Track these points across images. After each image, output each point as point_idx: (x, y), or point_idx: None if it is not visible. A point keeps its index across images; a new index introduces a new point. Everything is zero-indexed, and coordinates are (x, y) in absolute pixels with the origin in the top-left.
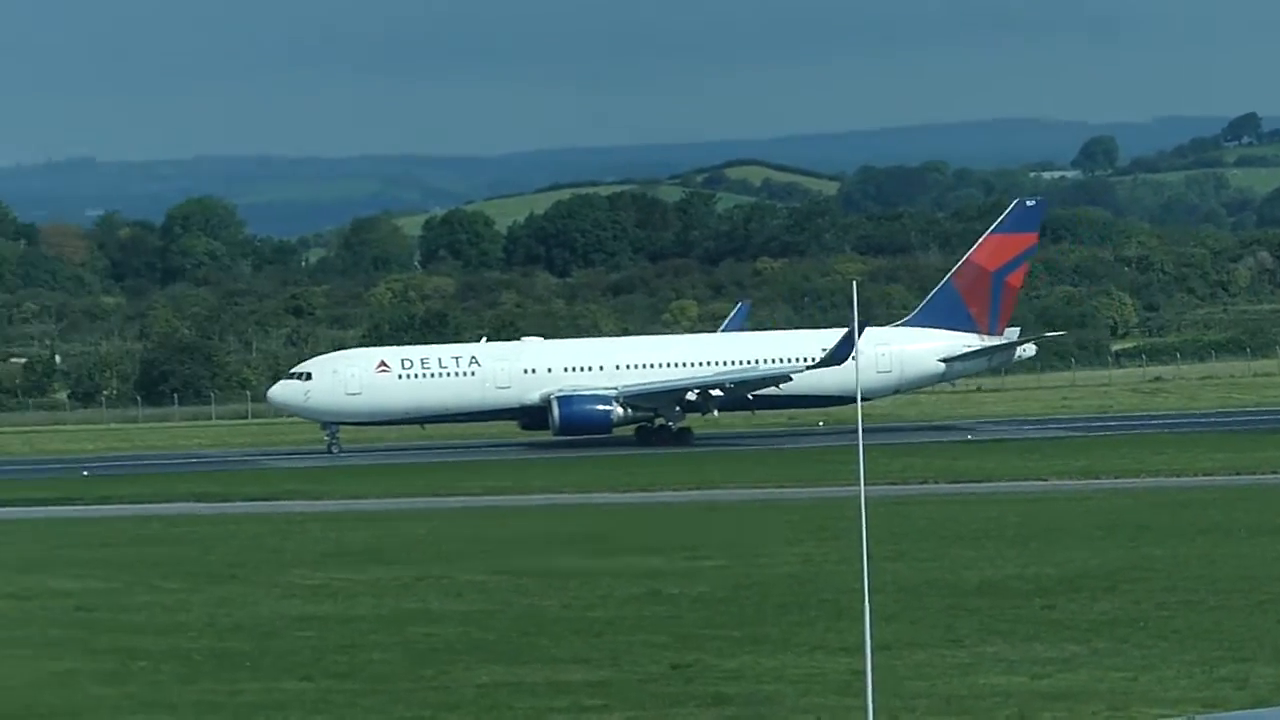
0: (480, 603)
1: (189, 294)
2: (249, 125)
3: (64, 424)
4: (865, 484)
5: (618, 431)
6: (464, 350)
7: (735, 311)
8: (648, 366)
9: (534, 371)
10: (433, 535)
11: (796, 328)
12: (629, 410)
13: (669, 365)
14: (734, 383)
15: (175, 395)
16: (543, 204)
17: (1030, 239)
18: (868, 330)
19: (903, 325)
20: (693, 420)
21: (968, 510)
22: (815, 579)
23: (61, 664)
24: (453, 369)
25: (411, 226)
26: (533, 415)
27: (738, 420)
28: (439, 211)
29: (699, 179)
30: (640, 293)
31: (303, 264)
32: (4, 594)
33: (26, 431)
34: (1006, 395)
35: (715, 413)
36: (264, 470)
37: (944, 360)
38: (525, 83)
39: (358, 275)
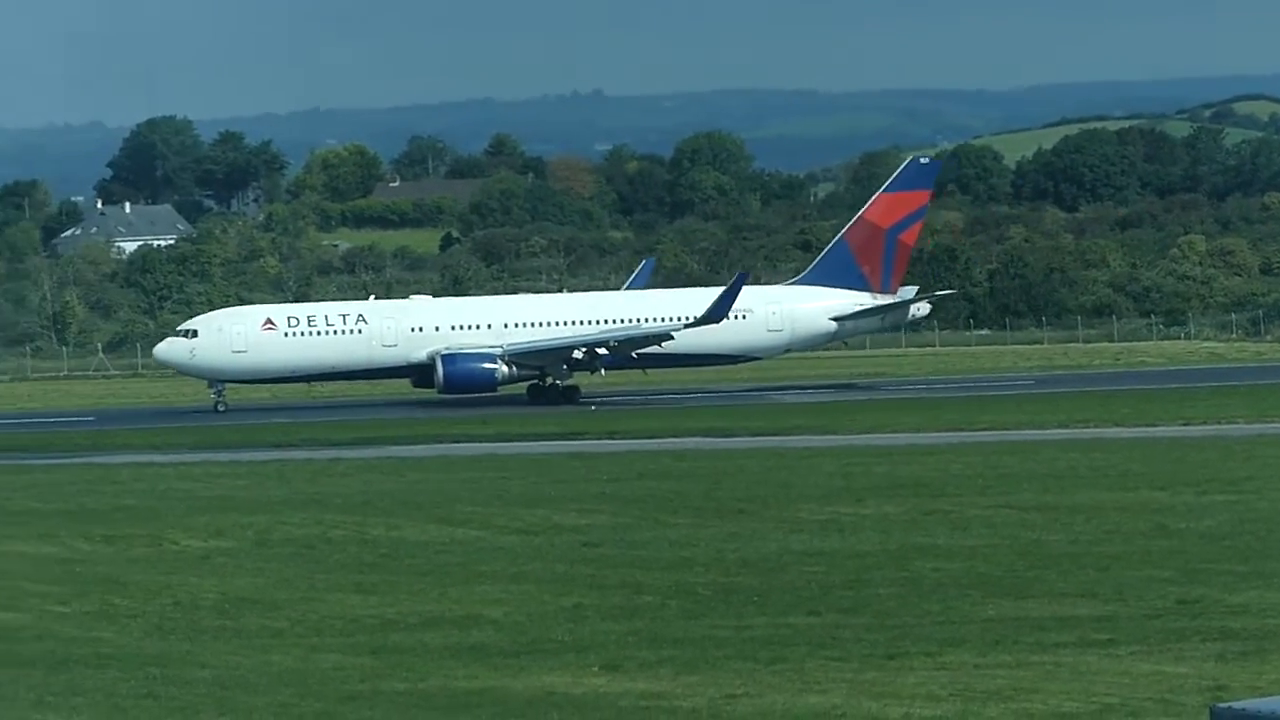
0: (986, 537)
1: (697, 228)
2: (753, 59)
3: None
4: None
5: (512, 390)
6: (351, 308)
7: (640, 268)
8: (535, 325)
9: (420, 330)
10: (941, 469)
11: None
12: (514, 369)
13: (555, 324)
14: (617, 341)
15: None
16: (1050, 139)
17: (924, 197)
18: (760, 289)
19: (794, 284)
20: (581, 379)
21: None
22: None
23: (569, 599)
24: (339, 326)
25: None
26: (422, 373)
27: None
28: (947, 145)
29: (1206, 114)
30: (1148, 227)
31: (810, 199)
32: (512, 529)
33: None
34: None
35: (603, 371)
36: (770, 405)
37: (836, 319)
38: (1033, 15)
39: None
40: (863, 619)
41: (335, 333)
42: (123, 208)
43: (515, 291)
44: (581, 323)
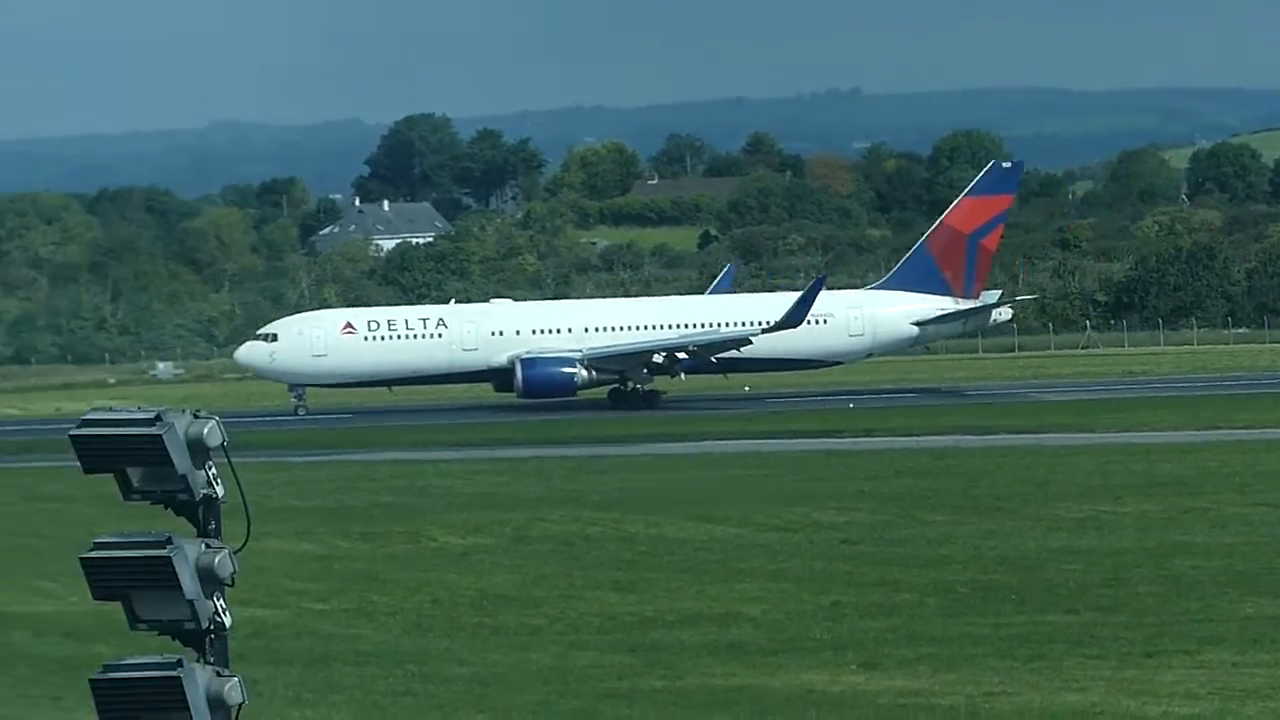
0: (1244, 535)
1: None
2: (1009, 58)
3: None
4: None
5: (592, 394)
6: (431, 312)
7: (723, 274)
8: (615, 329)
9: (501, 334)
10: (1198, 467)
11: None
12: (593, 373)
13: (636, 328)
14: (696, 346)
15: None
16: None
17: (1006, 201)
18: (841, 293)
19: (876, 288)
20: (662, 383)
21: None
22: None
23: (827, 596)
24: (419, 330)
25: (1178, 159)
26: (503, 377)
27: None
28: (1205, 144)
29: None
30: None
31: (1069, 197)
32: (770, 526)
33: None
34: None
35: (682, 376)
36: (1030, 403)
37: (917, 323)
38: None
39: (1124, 208)
40: (1121, 617)
41: (415, 337)
42: (381, 205)
43: (774, 290)
44: (661, 327)
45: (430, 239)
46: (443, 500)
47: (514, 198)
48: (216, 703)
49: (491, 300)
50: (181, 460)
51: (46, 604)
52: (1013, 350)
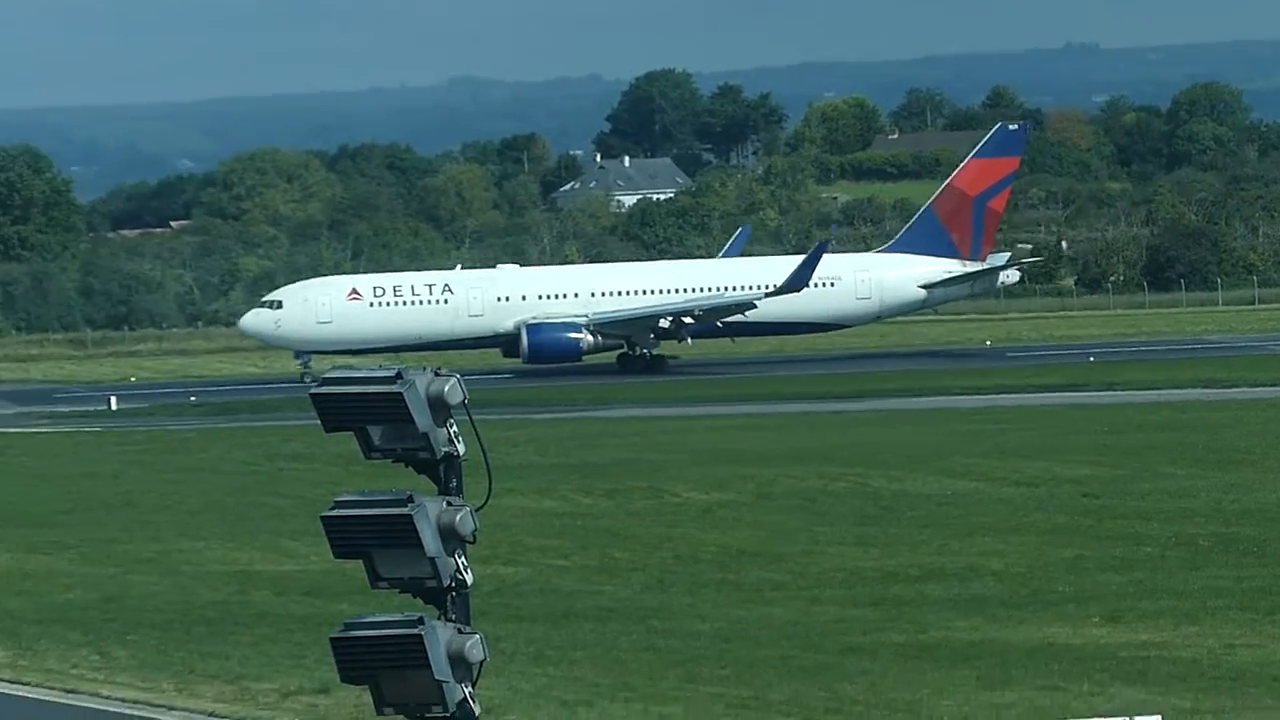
0: None
1: (1195, 179)
2: (1246, 10)
3: (1070, 310)
4: None
5: (600, 359)
6: (437, 278)
7: (736, 236)
8: (622, 294)
9: (507, 299)
10: None
11: None
12: (599, 338)
13: (643, 292)
14: (702, 310)
15: (1181, 281)
16: None
17: (1013, 163)
18: (848, 257)
19: (883, 251)
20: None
21: None
22: None
23: (1069, 550)
24: (425, 297)
25: None
26: (510, 343)
27: None
28: None
29: None
30: None
31: None
32: (1011, 480)
33: (1033, 318)
34: None
35: (689, 340)
36: (1270, 356)
37: (925, 286)
38: None
39: None
40: None
41: (421, 303)
42: (621, 161)
43: (1013, 245)
44: (667, 291)
45: (671, 195)
46: (685, 456)
47: (755, 153)
48: (457, 660)
49: (497, 266)
50: (422, 418)
51: (288, 563)
52: (1253, 304)
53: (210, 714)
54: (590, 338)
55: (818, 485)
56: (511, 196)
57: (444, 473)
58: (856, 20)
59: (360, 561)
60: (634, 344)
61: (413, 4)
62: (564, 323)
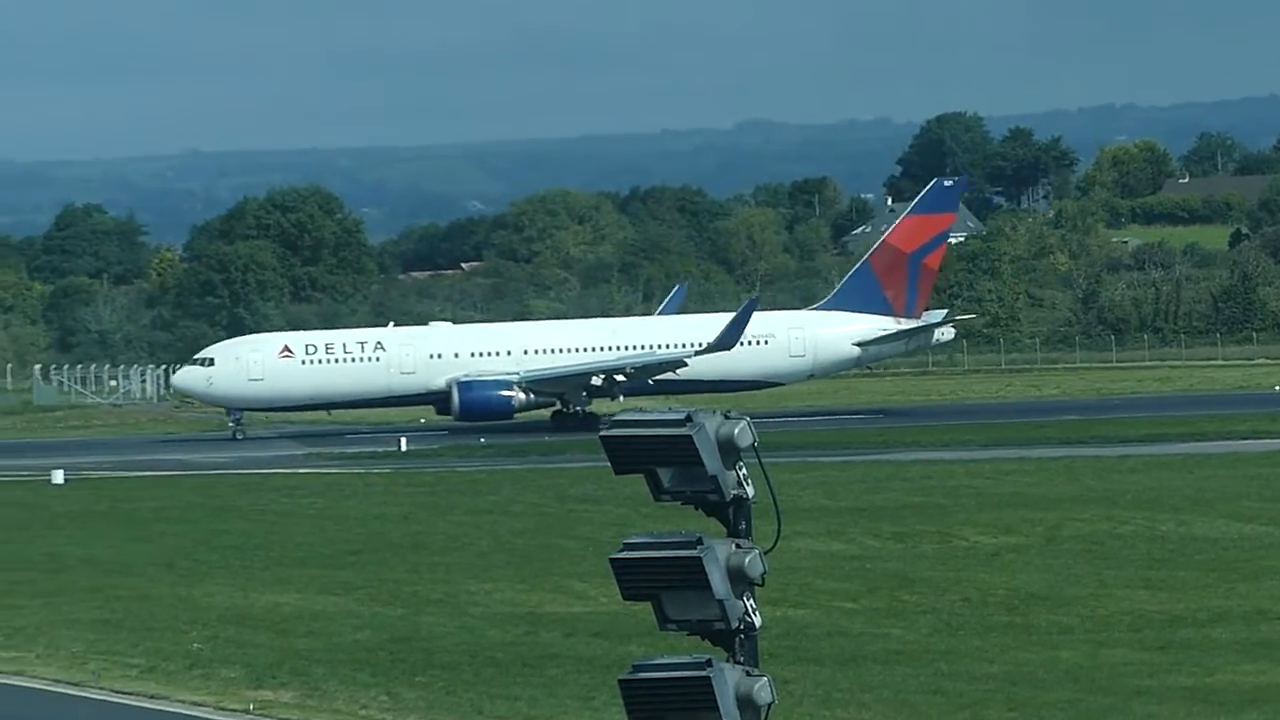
0: None
1: None
2: None
3: None
4: None
5: (533, 416)
6: (369, 335)
7: (673, 294)
8: (554, 351)
9: (440, 356)
10: None
11: None
12: (531, 395)
13: (575, 350)
14: (635, 368)
15: None
16: None
17: (948, 219)
18: (782, 314)
19: (818, 309)
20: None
21: None
22: None
23: None
24: (357, 354)
25: None
26: (443, 401)
27: None
28: None
29: None
30: None
31: None
32: None
33: None
34: None
35: (621, 399)
36: None
37: (859, 344)
38: None
39: None
40: None
41: (353, 360)
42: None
43: None
44: (600, 349)
45: (962, 238)
46: (973, 500)
47: (1045, 196)
48: (746, 702)
49: (430, 323)
50: (712, 460)
51: (577, 604)
52: None
53: None
54: (522, 395)
55: (1105, 528)
56: (802, 240)
57: (733, 515)
58: (1148, 64)
59: (649, 603)
60: (567, 401)
61: (704, 47)
62: (496, 380)
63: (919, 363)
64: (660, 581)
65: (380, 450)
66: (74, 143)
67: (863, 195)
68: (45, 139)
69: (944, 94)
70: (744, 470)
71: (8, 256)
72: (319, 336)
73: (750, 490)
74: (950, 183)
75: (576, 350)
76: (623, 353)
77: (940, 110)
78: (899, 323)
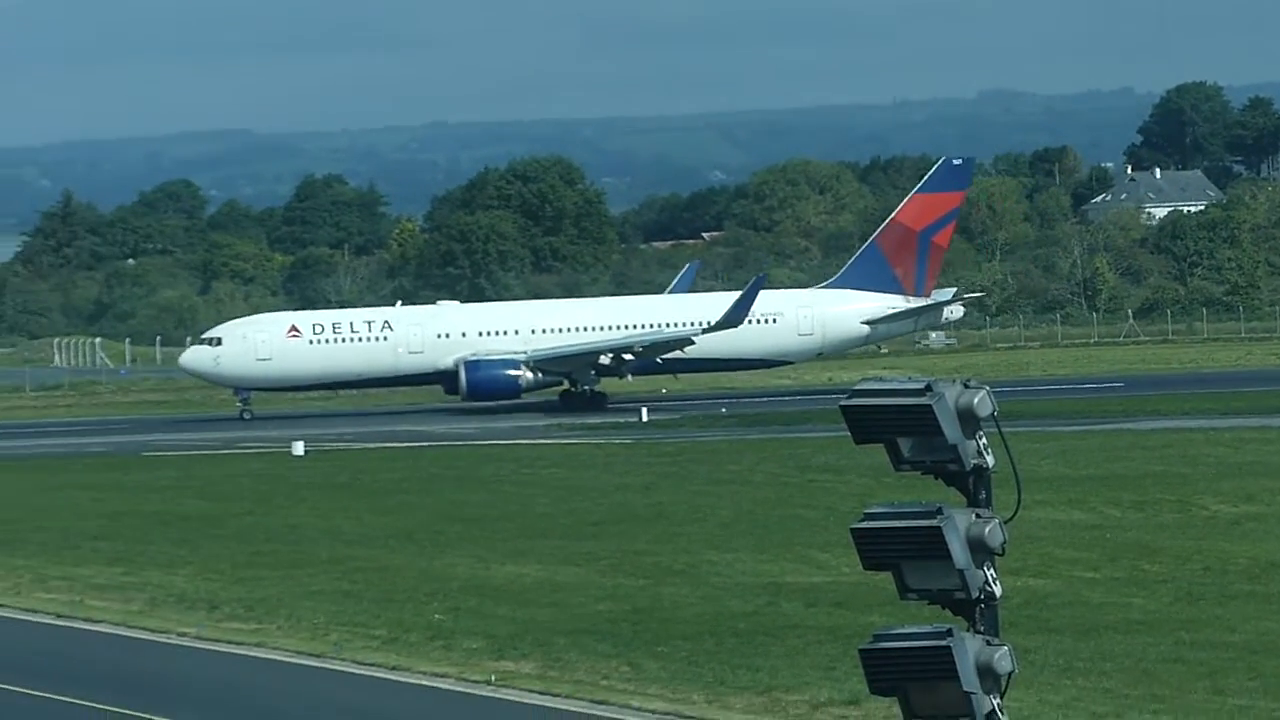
0: None
1: None
2: None
3: None
4: None
5: (543, 395)
6: (377, 314)
7: (683, 272)
8: (562, 330)
9: (447, 336)
10: None
11: None
12: (539, 375)
13: (582, 329)
14: (643, 346)
15: None
16: None
17: (957, 198)
18: (790, 292)
19: (825, 287)
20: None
21: None
22: None
23: None
24: (364, 334)
25: None
26: (450, 380)
27: None
28: None
29: None
30: None
31: None
32: None
33: None
34: None
35: (629, 377)
36: None
37: (868, 322)
38: None
39: None
40: None
41: (361, 340)
42: (1152, 173)
43: None
44: (608, 328)
45: (1201, 207)
46: (1213, 469)
47: None
48: (986, 671)
49: (438, 303)
50: (952, 430)
51: (818, 574)
52: None
53: None
54: (530, 374)
55: None
56: (1042, 209)
57: (973, 485)
58: None
59: (889, 573)
60: (575, 380)
61: (943, 17)
62: (503, 359)
63: (1159, 331)
64: (901, 551)
65: (621, 421)
66: (321, 115)
67: (1103, 164)
68: (292, 111)
69: (1185, 64)
70: (984, 439)
71: (248, 228)
72: (327, 316)
73: (990, 459)
74: (959, 161)
75: (584, 329)
76: (630, 331)
77: (1181, 80)
78: (908, 300)
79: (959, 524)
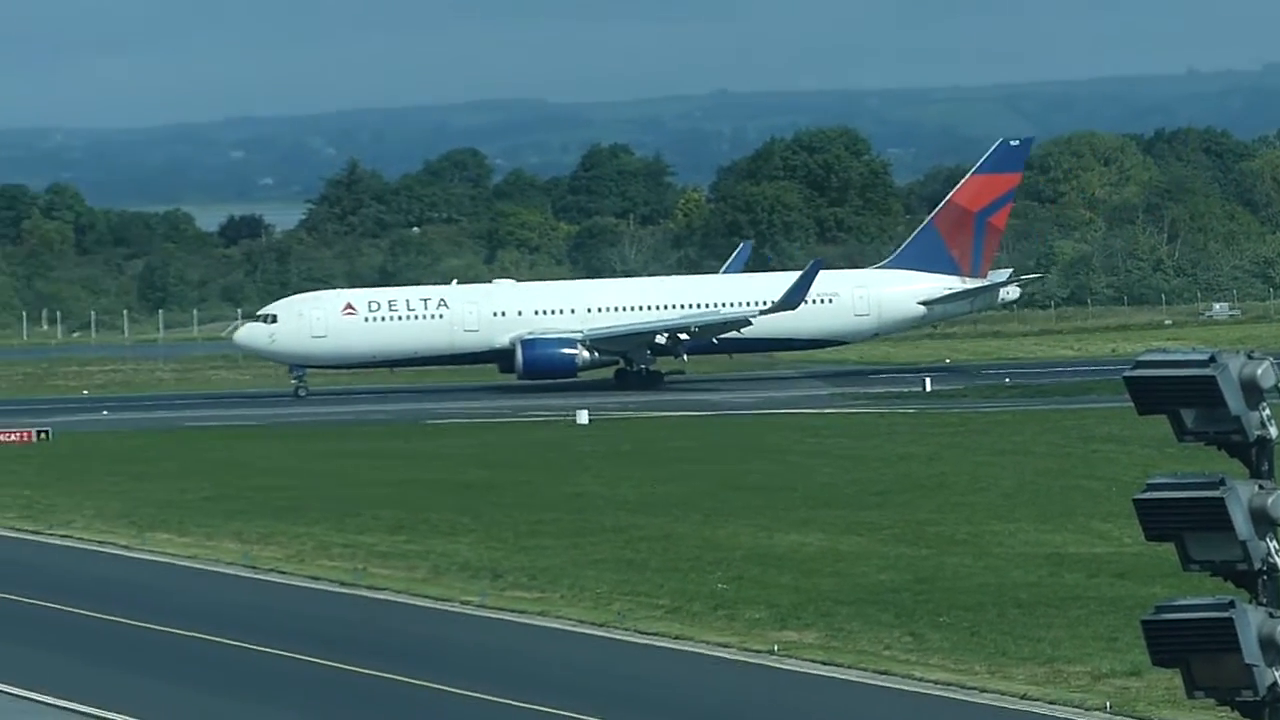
0: None
1: None
2: None
3: None
4: None
5: (598, 374)
6: (433, 293)
7: (737, 252)
8: (617, 309)
9: (503, 314)
10: None
11: None
12: (595, 354)
13: (638, 308)
14: (698, 327)
15: None
16: None
17: (1014, 179)
18: (846, 273)
19: (882, 267)
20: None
21: None
22: None
23: None
24: (420, 311)
25: None
26: (506, 358)
27: None
28: None
29: None
30: None
31: None
32: None
33: None
34: None
35: (685, 357)
36: None
37: (924, 303)
38: None
39: None
40: None
41: (416, 318)
42: None
43: None
44: (664, 307)
45: None
46: None
47: None
48: (1268, 644)
49: (494, 281)
50: (1235, 401)
51: (1101, 545)
52: None
53: (1022, 696)
54: (586, 353)
55: None
56: None
57: (1256, 456)
58: None
59: (1172, 544)
60: (630, 360)
61: None
62: (559, 338)
63: None
64: (1183, 522)
65: (905, 390)
66: (607, 85)
67: None
68: (579, 81)
69: None
70: (1267, 411)
71: (534, 197)
72: (382, 293)
73: (1274, 431)
74: (1017, 142)
75: (640, 308)
76: (687, 311)
77: None
78: (964, 281)
79: (1241, 495)
